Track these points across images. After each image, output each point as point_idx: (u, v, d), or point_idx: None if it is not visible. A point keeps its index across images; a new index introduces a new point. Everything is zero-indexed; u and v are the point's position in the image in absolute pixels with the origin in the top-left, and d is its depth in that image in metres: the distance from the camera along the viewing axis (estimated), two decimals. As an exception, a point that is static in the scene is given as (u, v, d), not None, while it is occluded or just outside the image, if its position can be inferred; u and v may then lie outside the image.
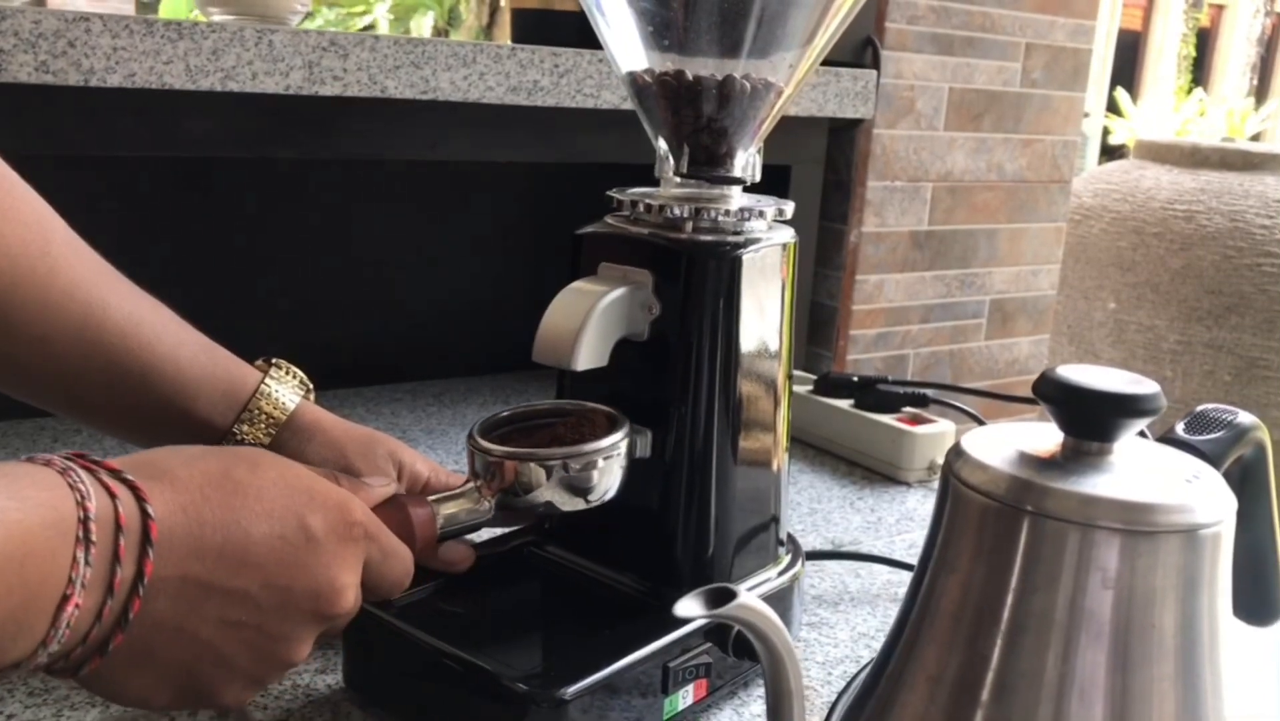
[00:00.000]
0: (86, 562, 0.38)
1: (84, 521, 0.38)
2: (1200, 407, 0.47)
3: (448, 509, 0.55)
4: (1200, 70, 11.77)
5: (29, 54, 0.77)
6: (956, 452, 0.40)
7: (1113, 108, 9.65)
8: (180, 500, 0.41)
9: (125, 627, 0.40)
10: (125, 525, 0.39)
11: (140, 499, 0.40)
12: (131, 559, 0.39)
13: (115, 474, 0.41)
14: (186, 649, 0.42)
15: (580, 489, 0.55)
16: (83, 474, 0.40)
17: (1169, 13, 11.51)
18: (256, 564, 0.43)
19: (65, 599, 0.37)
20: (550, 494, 0.54)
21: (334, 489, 0.47)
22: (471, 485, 0.56)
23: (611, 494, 0.56)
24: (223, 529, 0.42)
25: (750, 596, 0.37)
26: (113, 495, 0.39)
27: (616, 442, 0.55)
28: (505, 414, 0.59)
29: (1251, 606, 0.49)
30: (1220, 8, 11.98)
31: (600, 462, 0.55)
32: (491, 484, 0.55)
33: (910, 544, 0.83)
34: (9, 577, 0.35)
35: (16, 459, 0.40)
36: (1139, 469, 0.39)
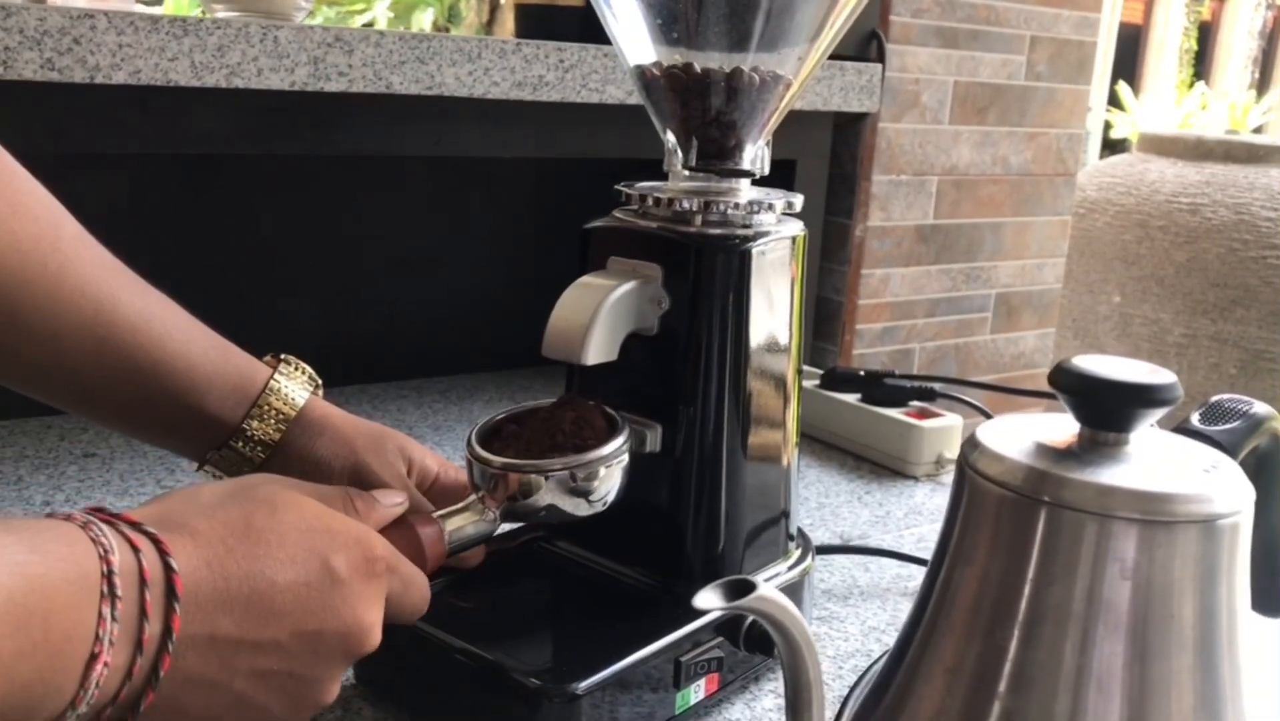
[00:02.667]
0: (114, 618, 0.36)
1: (108, 576, 0.37)
2: (1215, 398, 0.46)
3: (454, 523, 0.54)
4: (1202, 64, 11.75)
5: (34, 51, 0.77)
6: (972, 444, 0.40)
7: (1114, 101, 9.63)
8: (204, 554, 0.41)
9: (156, 685, 0.39)
10: (150, 579, 0.38)
11: (163, 552, 0.39)
12: (158, 614, 0.38)
13: (136, 527, 0.40)
14: (220, 703, 0.42)
15: (584, 495, 0.54)
16: (104, 527, 0.39)
17: (1170, 6, 11.49)
18: (284, 612, 0.42)
19: (94, 657, 0.36)
20: (554, 502, 0.54)
21: (353, 525, 0.47)
22: (474, 497, 0.55)
23: (613, 497, 0.55)
24: (248, 580, 0.41)
25: (769, 588, 0.37)
26: (135, 548, 0.39)
27: (619, 448, 0.55)
28: (500, 417, 0.58)
29: (1266, 597, 0.49)
30: (1221, 1, 11.96)
31: (603, 470, 0.54)
32: (495, 495, 0.54)
33: (919, 537, 0.83)
34: (33, 635, 0.34)
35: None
36: (1156, 459, 0.38)
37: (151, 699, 0.39)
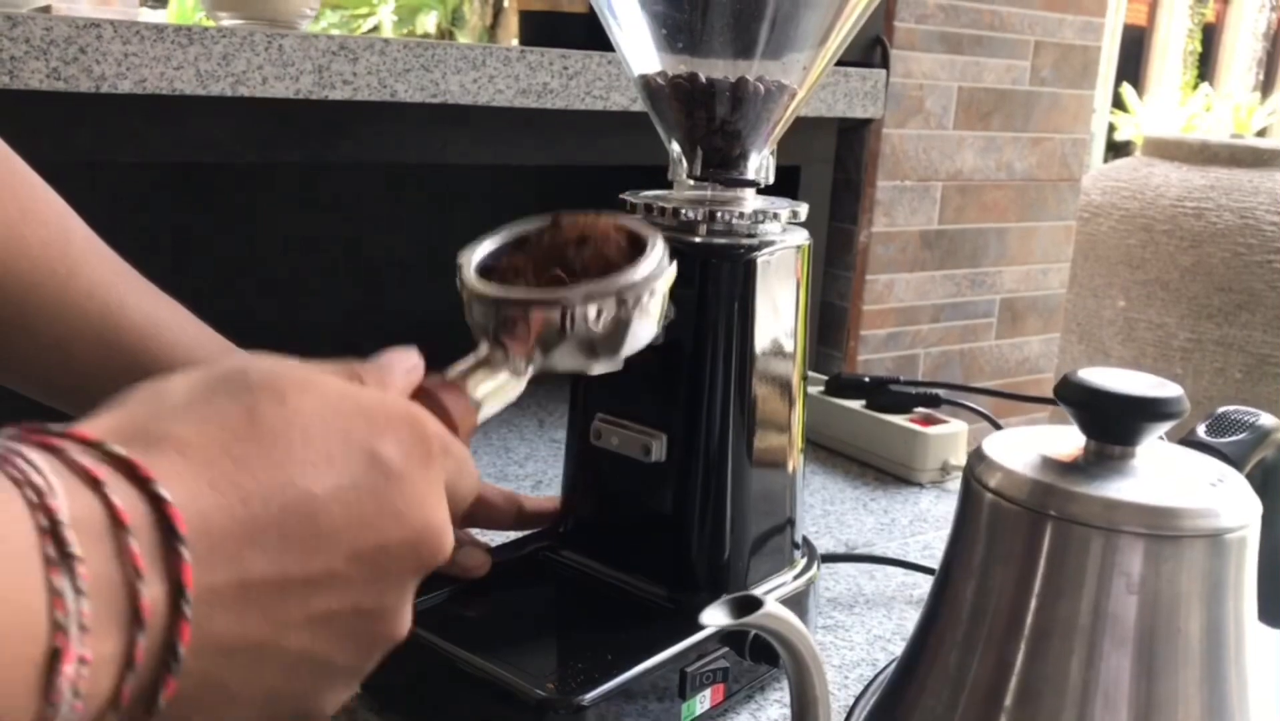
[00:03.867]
0: (77, 591, 0.25)
1: (51, 531, 0.26)
2: (1221, 410, 0.46)
3: (483, 387, 0.42)
4: (1206, 66, 11.74)
5: (40, 60, 0.77)
6: (978, 456, 0.40)
7: (1118, 103, 9.63)
8: (206, 474, 0.29)
9: (176, 669, 0.28)
10: (131, 522, 0.27)
11: (143, 479, 0.28)
12: (156, 568, 0.27)
13: (94, 448, 0.28)
14: (271, 670, 0.31)
15: (637, 325, 0.43)
16: (35, 457, 0.27)
17: (1174, 8, 11.48)
18: (333, 532, 0.31)
19: (56, 654, 0.25)
20: (603, 337, 0.42)
21: (388, 400, 0.36)
22: (487, 348, 0.43)
23: (660, 327, 0.46)
24: (276, 497, 0.30)
25: (776, 605, 0.37)
26: (95, 482, 0.27)
27: (664, 260, 0.44)
28: (491, 245, 0.47)
29: (1272, 608, 0.48)
30: (1225, 2, 11.95)
31: (658, 286, 0.43)
32: (516, 338, 0.42)
33: (924, 545, 0.83)
34: None
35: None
36: (1162, 473, 0.38)
37: (173, 688, 0.28)
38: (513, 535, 0.64)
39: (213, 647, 0.29)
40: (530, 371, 0.43)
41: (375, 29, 7.66)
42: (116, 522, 0.27)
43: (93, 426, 0.30)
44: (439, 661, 0.53)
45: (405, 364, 0.41)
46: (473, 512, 0.64)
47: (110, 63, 0.79)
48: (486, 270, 0.46)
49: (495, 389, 0.42)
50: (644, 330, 0.44)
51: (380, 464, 0.33)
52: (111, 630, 0.26)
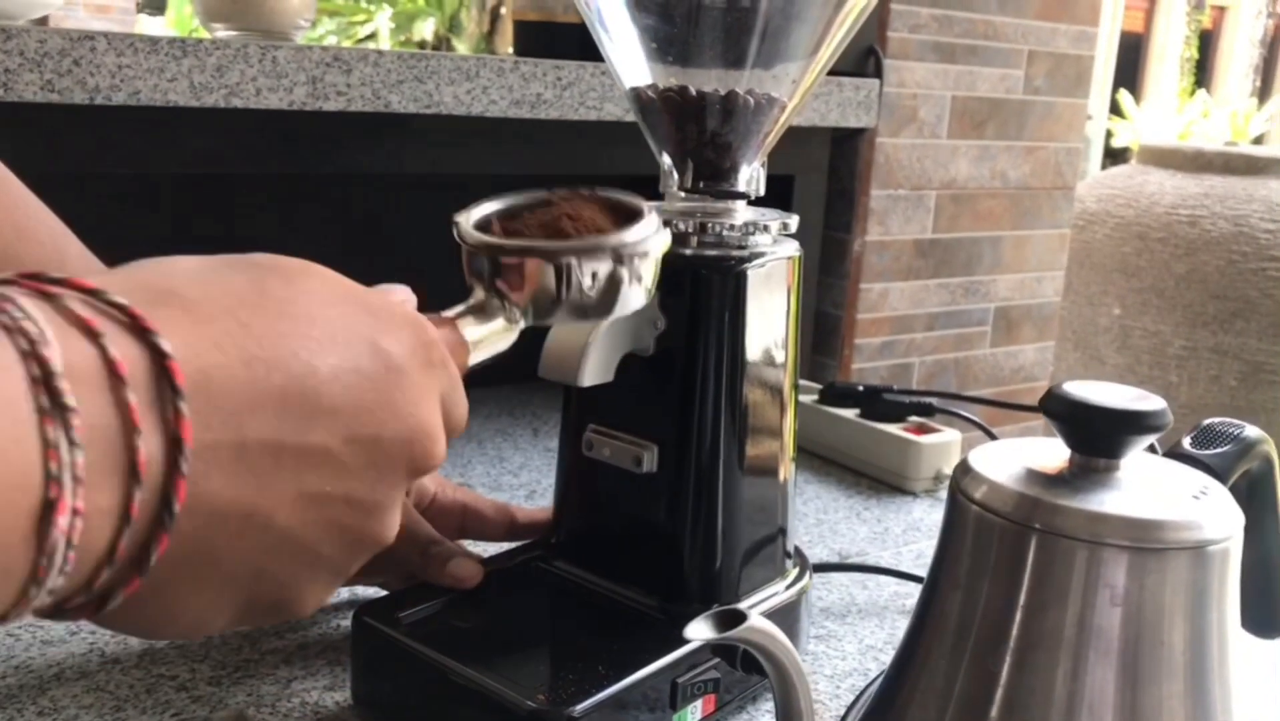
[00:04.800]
0: (71, 442, 0.25)
1: (44, 381, 0.25)
2: (1207, 421, 0.47)
3: (475, 330, 0.43)
4: (1203, 72, 11.78)
5: (35, 73, 0.77)
6: (964, 469, 0.40)
7: (1115, 110, 9.65)
8: (210, 332, 0.29)
9: (171, 525, 0.27)
10: (129, 374, 0.26)
11: (144, 330, 0.27)
12: (153, 421, 0.27)
13: (93, 296, 0.27)
14: (258, 543, 0.30)
15: (628, 291, 0.44)
16: (28, 304, 0.26)
17: (1171, 14, 11.52)
18: (332, 410, 0.31)
19: (49, 505, 0.24)
20: (599, 293, 0.43)
21: (392, 301, 0.36)
22: (482, 294, 0.44)
23: (653, 288, 0.47)
24: (280, 366, 0.30)
25: (760, 619, 0.37)
26: (92, 332, 0.26)
27: (658, 228, 0.46)
28: (487, 208, 0.48)
29: (1259, 618, 0.49)
30: (1222, 9, 11.99)
31: (653, 249, 0.44)
32: (513, 287, 0.43)
33: (917, 554, 0.83)
34: None
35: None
36: (1147, 485, 0.39)
37: (165, 545, 0.27)
38: (505, 546, 0.64)
39: (205, 508, 0.28)
40: (523, 322, 0.44)
41: (372, 36, 7.67)
42: (113, 374, 0.26)
43: (95, 278, 0.28)
44: (431, 672, 0.53)
45: (399, 295, 0.41)
46: (465, 525, 0.64)
47: (104, 75, 0.80)
48: (483, 228, 0.47)
49: (487, 335, 0.43)
50: (636, 293, 0.45)
51: (382, 355, 0.33)
52: (107, 483, 0.26)
